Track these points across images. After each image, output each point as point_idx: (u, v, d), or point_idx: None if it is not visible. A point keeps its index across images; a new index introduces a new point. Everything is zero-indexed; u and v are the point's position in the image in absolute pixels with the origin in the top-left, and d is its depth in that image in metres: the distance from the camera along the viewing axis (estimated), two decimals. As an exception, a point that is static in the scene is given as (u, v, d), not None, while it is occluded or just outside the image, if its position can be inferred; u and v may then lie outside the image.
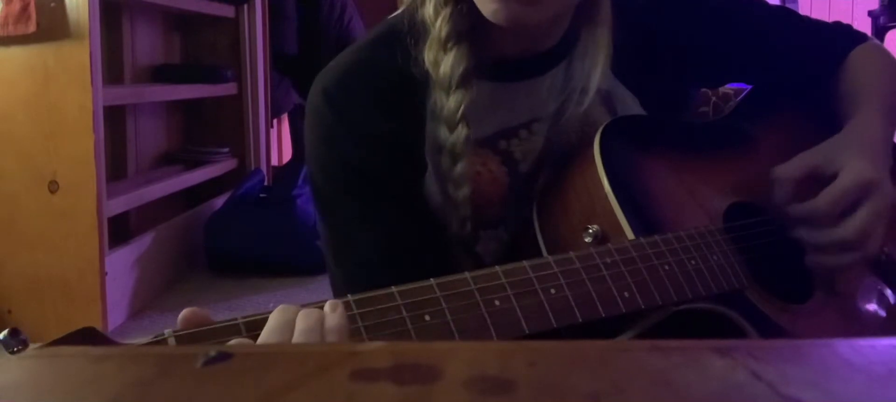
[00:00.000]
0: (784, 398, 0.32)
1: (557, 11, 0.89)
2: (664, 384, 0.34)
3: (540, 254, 0.78)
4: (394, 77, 0.91)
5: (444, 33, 0.88)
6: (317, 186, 0.94)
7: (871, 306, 0.97)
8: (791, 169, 0.94)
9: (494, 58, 0.92)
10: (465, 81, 0.88)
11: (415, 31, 0.91)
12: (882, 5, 3.42)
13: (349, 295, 0.66)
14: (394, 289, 0.68)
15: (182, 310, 0.64)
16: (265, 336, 0.63)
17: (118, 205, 2.58)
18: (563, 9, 0.90)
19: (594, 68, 0.92)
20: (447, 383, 0.34)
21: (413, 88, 0.91)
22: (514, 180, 0.95)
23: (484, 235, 0.95)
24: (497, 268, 0.72)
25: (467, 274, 0.71)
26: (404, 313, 0.67)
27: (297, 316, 0.64)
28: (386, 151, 0.92)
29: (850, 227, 0.89)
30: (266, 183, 3.56)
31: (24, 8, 2.26)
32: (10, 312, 2.36)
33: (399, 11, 0.96)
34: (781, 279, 0.90)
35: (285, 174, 3.46)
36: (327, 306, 0.65)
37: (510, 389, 0.33)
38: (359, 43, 0.99)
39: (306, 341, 0.62)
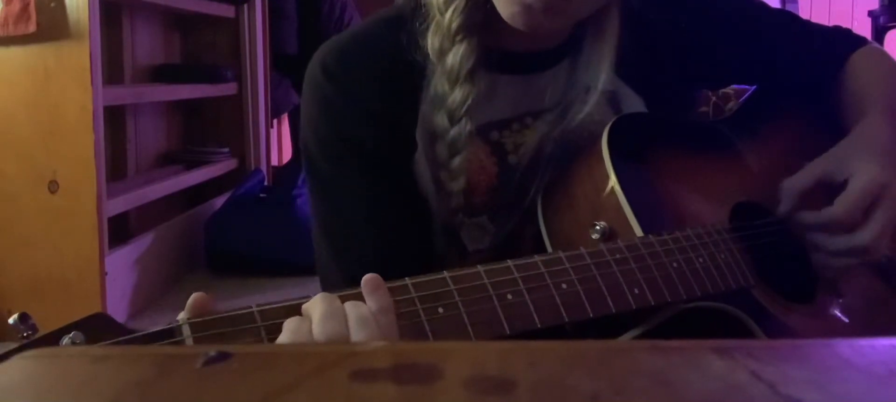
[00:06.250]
0: (784, 398, 0.32)
1: (576, 20, 0.89)
2: (664, 384, 0.34)
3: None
4: (393, 56, 0.91)
5: (455, 24, 0.87)
6: (311, 158, 0.94)
7: (873, 307, 0.97)
8: (801, 180, 0.94)
9: (497, 50, 0.92)
10: (472, 76, 0.88)
11: (420, 15, 0.91)
12: (882, 5, 3.42)
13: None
14: (408, 281, 0.68)
15: (181, 310, 0.64)
16: (318, 327, 0.63)
17: (118, 205, 2.57)
18: (582, 17, 0.90)
19: (600, 68, 0.92)
20: (447, 383, 0.34)
21: (411, 70, 0.91)
22: (502, 171, 0.94)
23: (468, 222, 0.95)
24: (509, 262, 0.73)
25: (480, 268, 0.71)
26: (418, 305, 0.67)
27: (346, 306, 0.65)
28: (381, 127, 0.92)
29: (867, 232, 0.89)
30: (266, 183, 3.56)
31: (24, 8, 2.26)
32: (10, 312, 2.35)
33: None
34: (786, 279, 0.91)
35: (285, 174, 3.46)
36: (365, 290, 0.66)
37: (510, 389, 0.33)
38: (360, 23, 0.99)
39: (362, 329, 0.63)
